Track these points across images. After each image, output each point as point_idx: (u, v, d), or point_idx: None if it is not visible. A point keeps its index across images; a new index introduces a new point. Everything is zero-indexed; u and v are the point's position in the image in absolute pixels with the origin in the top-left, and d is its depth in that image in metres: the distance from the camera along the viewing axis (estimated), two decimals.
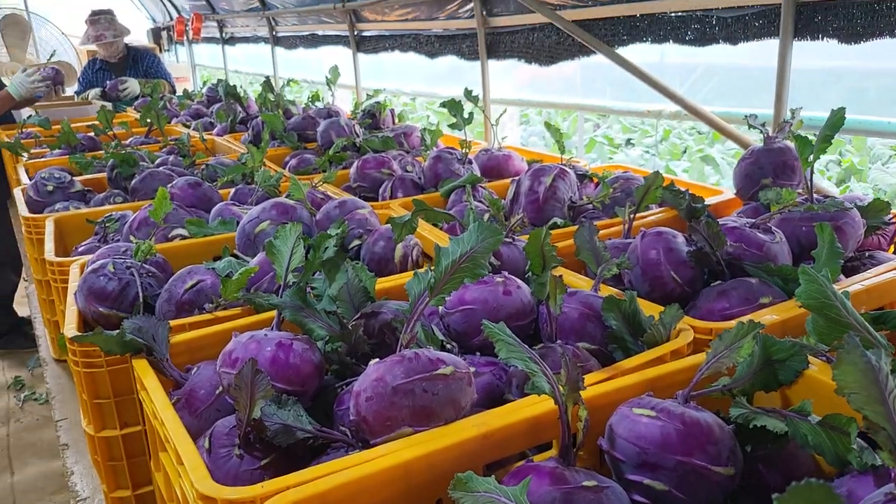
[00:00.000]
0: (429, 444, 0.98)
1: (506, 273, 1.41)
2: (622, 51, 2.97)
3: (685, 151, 8.73)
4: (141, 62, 5.93)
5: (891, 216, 1.70)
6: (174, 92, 5.35)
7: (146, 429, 1.34)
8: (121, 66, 5.94)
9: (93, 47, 6.12)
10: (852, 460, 0.91)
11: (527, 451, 1.20)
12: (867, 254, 1.63)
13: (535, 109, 9.65)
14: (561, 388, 0.96)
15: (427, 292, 1.12)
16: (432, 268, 1.13)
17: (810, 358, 1.13)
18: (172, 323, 1.40)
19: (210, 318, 1.46)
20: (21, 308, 5.21)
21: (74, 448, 1.90)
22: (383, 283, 1.57)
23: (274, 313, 1.32)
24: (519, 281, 1.39)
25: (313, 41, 6.35)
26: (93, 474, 1.72)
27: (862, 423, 0.77)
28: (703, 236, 1.46)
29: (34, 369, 4.89)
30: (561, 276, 1.31)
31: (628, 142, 9.38)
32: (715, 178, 7.33)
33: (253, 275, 1.54)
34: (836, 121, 1.53)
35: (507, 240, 1.57)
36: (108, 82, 5.63)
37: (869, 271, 1.45)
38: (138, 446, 1.46)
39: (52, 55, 4.98)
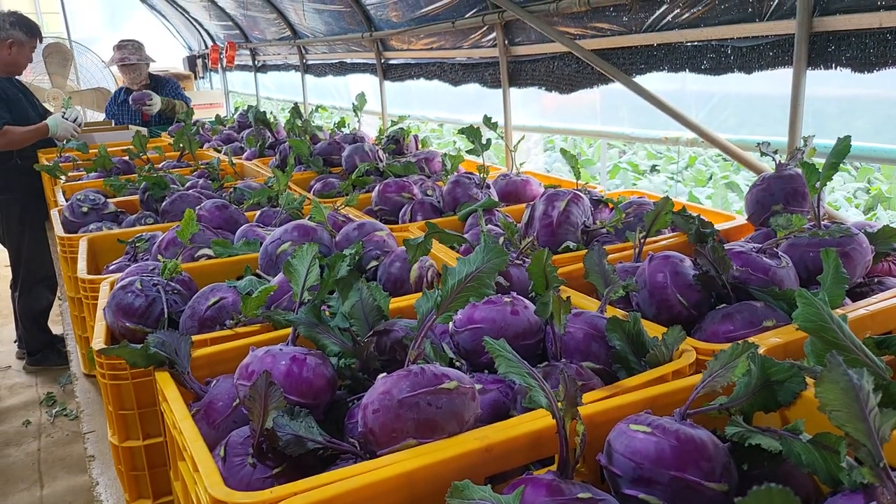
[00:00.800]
0: (432, 455, 1.03)
1: (514, 293, 1.45)
2: (640, 79, 3.02)
3: (710, 178, 8.71)
4: (163, 88, 6.11)
5: None
6: (191, 114, 5.49)
7: (167, 439, 1.39)
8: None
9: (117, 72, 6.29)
10: (842, 479, 0.93)
11: (530, 466, 1.23)
12: (876, 279, 1.65)
13: (560, 136, 9.72)
14: (559, 404, 1.00)
15: (434, 310, 1.17)
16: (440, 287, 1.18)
17: (808, 380, 1.15)
18: (195, 338, 1.46)
19: (230, 333, 1.52)
20: (55, 326, 5.36)
21: (100, 460, 1.96)
22: (398, 302, 1.63)
23: (290, 330, 1.38)
24: (527, 301, 1.44)
25: (342, 69, 6.50)
26: (117, 485, 1.78)
27: (844, 440, 0.80)
28: (709, 260, 1.49)
29: (66, 385, 5.01)
30: (569, 297, 1.35)
31: (653, 168, 9.39)
32: (739, 204, 7.30)
33: (272, 293, 1.61)
34: (842, 148, 1.56)
35: (518, 262, 1.61)
36: (134, 93, 5.80)
37: (874, 297, 1.47)
38: (159, 457, 1.52)
39: (67, 102, 5.15)
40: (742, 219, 2.08)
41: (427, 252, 1.55)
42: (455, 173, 2.75)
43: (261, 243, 2.05)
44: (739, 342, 1.08)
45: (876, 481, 0.77)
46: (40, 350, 5.32)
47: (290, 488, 0.97)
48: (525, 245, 1.63)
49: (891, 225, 1.69)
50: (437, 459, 1.02)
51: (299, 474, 1.12)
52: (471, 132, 2.46)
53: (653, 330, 1.39)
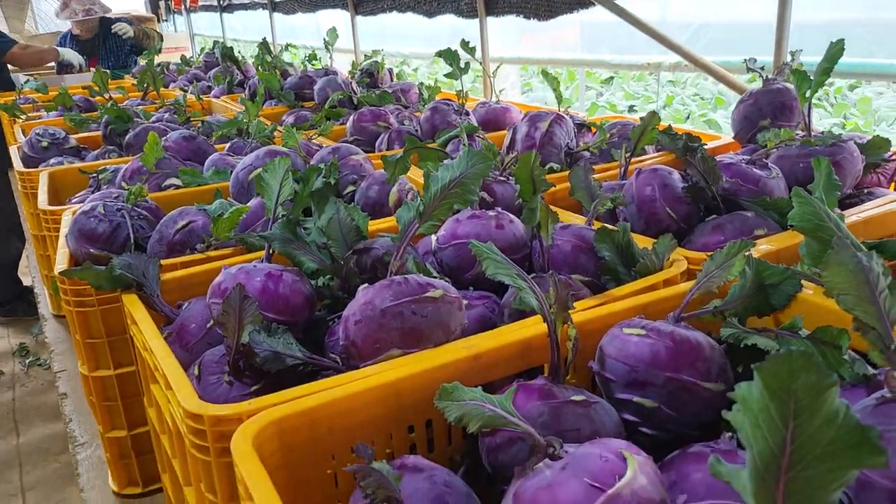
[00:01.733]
0: (418, 364, 0.98)
1: (499, 208, 1.40)
2: (621, 2, 2.92)
3: (688, 117, 8.66)
4: (112, 34, 5.82)
5: (891, 153, 1.67)
6: (162, 39, 5.29)
7: (138, 367, 1.33)
8: (92, 42, 5.83)
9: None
10: (844, 373, 0.90)
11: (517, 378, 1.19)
12: (866, 191, 1.61)
13: (538, 78, 9.56)
14: (550, 308, 0.95)
15: (416, 219, 1.10)
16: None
17: (804, 282, 1.11)
18: (163, 262, 1.39)
19: (201, 257, 1.45)
20: (26, 279, 5.23)
21: (73, 397, 1.90)
22: (377, 224, 1.56)
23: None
24: (512, 216, 1.38)
25: (311, 4, 6.28)
26: (91, 420, 1.73)
27: (852, 325, 0.76)
28: (699, 171, 1.44)
29: (38, 336, 4.92)
30: (555, 212, 1.29)
31: (631, 108, 9.31)
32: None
33: (246, 217, 1.54)
34: (836, 52, 1.50)
35: (502, 178, 1.55)
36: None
37: (867, 203, 1.44)
38: (132, 387, 1.46)
39: None
40: (728, 137, 2.03)
41: (406, 170, 1.48)
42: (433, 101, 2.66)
43: (231, 171, 1.96)
44: (736, 241, 1.03)
45: (886, 365, 0.74)
46: (11, 301, 5.20)
47: (269, 399, 0.92)
48: (509, 161, 1.56)
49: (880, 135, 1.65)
50: (424, 368, 0.97)
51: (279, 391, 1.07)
52: (448, 55, 2.36)
53: (642, 243, 1.34)
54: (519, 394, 0.93)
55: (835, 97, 8.37)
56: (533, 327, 1.06)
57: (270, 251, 1.27)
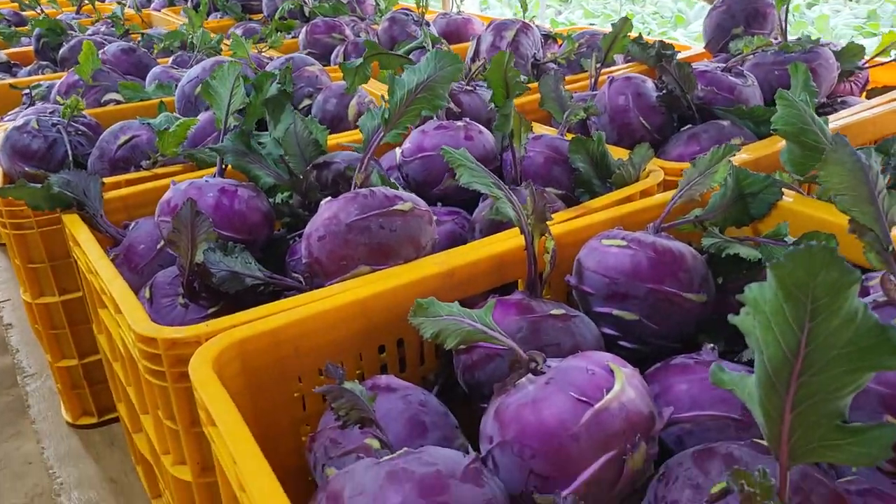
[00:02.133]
0: (388, 281, 0.92)
1: (467, 119, 1.32)
2: None
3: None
4: None
5: (864, 61, 1.63)
6: None
7: (84, 291, 1.25)
8: None
9: None
10: None
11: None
12: (839, 100, 1.58)
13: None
14: (527, 219, 0.90)
15: (381, 127, 1.03)
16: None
17: (784, 190, 1.08)
18: (107, 180, 1.29)
19: (148, 174, 1.35)
20: None
21: (19, 327, 1.81)
22: (336, 139, 1.48)
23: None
24: (481, 126, 1.31)
25: None
26: (40, 351, 1.65)
27: (848, 227, 0.72)
28: (674, 78, 1.38)
29: None
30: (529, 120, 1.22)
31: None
32: None
33: (194, 132, 1.43)
34: None
35: (468, 88, 1.47)
36: None
37: (842, 112, 1.40)
38: (80, 314, 1.38)
39: None
40: (699, 47, 1.97)
41: (366, 79, 1.38)
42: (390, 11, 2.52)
43: (176, 85, 1.83)
44: (718, 146, 0.98)
45: (884, 267, 0.70)
46: None
47: (229, 320, 0.85)
48: (476, 69, 1.48)
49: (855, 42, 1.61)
50: (394, 286, 0.92)
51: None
52: None
53: (616, 154, 1.28)
54: (496, 309, 0.88)
55: (793, 15, 8.31)
56: (507, 241, 1.01)
57: (223, 165, 1.18)
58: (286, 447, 0.90)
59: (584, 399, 0.68)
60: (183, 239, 0.96)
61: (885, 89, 1.62)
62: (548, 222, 0.90)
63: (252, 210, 1.11)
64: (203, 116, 1.50)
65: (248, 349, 0.82)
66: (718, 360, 0.84)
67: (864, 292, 0.84)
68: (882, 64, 1.66)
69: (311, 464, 0.84)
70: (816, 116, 1.04)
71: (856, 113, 1.39)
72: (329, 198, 1.00)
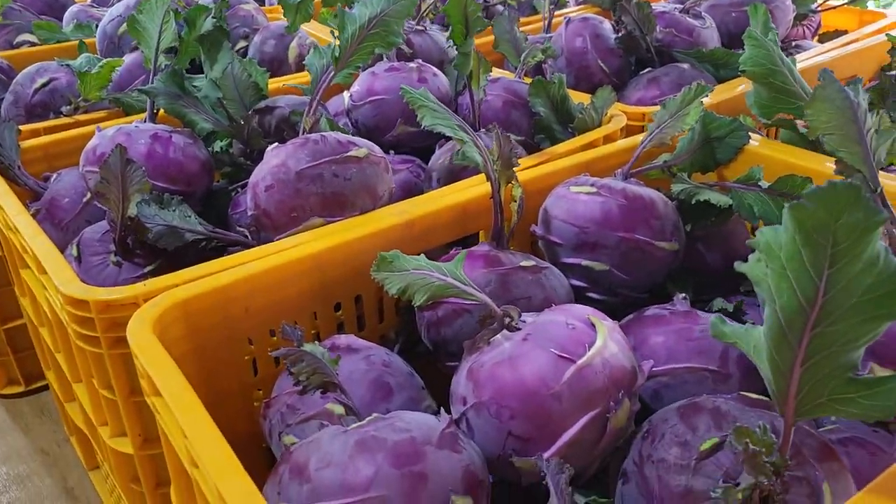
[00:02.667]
0: (344, 233, 0.85)
1: (419, 60, 1.24)
2: None
3: None
4: None
5: (817, 5, 1.61)
6: None
7: (4, 252, 1.14)
8: None
9: None
10: None
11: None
12: (794, 44, 1.56)
13: None
14: (493, 165, 0.84)
15: (331, 66, 0.94)
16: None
17: (751, 135, 1.05)
18: (23, 128, 1.16)
19: (69, 121, 1.23)
20: None
21: None
22: (277, 83, 1.38)
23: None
24: (435, 69, 1.23)
25: None
26: None
27: (834, 168, 0.69)
28: (634, 18, 1.33)
29: None
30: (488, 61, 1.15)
31: None
32: None
33: (119, 74, 1.31)
34: None
35: (419, 28, 1.38)
36: None
37: (799, 55, 1.38)
38: (1, 276, 1.26)
39: None
40: None
41: (309, 17, 1.28)
42: None
43: (97, 26, 1.67)
44: (690, 86, 0.94)
45: None
46: None
47: (171, 279, 0.78)
48: (427, 7, 1.39)
49: None
50: (350, 238, 0.85)
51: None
52: None
53: (575, 98, 1.23)
54: (463, 261, 0.83)
55: None
56: (470, 190, 0.95)
57: (154, 110, 1.07)
58: (236, 413, 0.84)
59: (565, 355, 0.63)
60: (113, 191, 0.87)
61: (837, 33, 1.61)
62: (519, 165, 0.85)
63: (189, 158, 1.02)
64: (129, 57, 1.38)
65: (192, 310, 0.75)
66: (694, 310, 0.81)
67: None
68: (834, 7, 1.65)
69: (265, 431, 0.78)
70: (785, 58, 1.01)
71: (812, 57, 1.37)
72: (276, 144, 0.92)
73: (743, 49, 1.35)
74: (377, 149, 0.95)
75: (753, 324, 0.87)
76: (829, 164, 0.97)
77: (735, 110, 1.13)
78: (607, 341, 0.65)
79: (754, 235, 1.03)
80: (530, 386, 0.62)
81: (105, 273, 0.91)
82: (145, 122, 1.06)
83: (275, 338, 0.86)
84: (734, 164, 1.05)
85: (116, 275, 0.91)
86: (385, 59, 1.23)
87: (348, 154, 0.89)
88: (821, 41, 1.62)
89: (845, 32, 1.61)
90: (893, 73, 1.33)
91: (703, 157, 1.04)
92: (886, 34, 1.31)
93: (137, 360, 0.67)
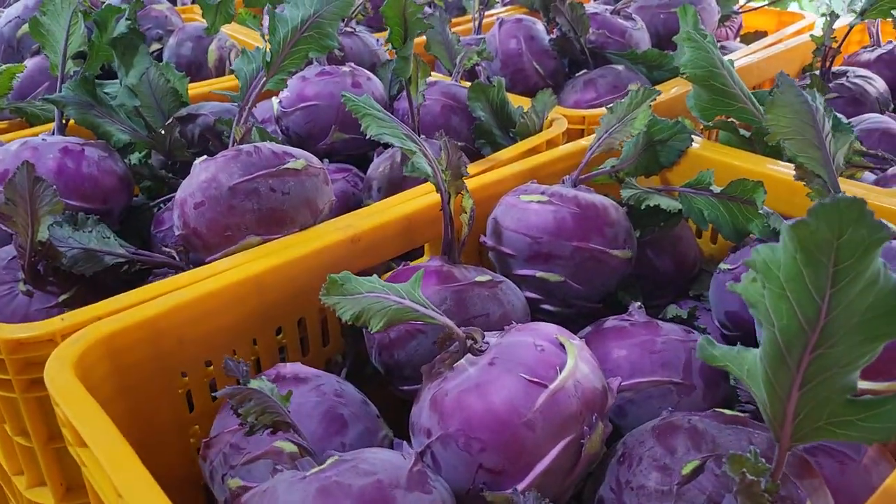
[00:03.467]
0: (285, 252, 0.79)
1: (351, 63, 1.18)
2: None
3: None
4: None
5: (738, 7, 1.65)
6: None
7: None
8: None
9: None
10: (753, 229, 0.85)
11: (391, 264, 1.04)
12: (719, 45, 1.58)
13: None
14: (443, 175, 0.79)
15: (262, 70, 0.88)
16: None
17: (694, 138, 1.04)
18: None
19: None
20: None
21: None
22: (197, 88, 1.29)
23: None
24: (368, 72, 1.18)
25: None
26: None
27: (794, 174, 0.68)
28: (567, 20, 1.31)
29: None
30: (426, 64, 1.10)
31: None
32: None
33: (21, 80, 1.20)
34: None
35: (348, 29, 1.32)
36: None
37: (727, 56, 1.39)
38: None
39: None
40: None
41: (229, 18, 1.20)
42: None
43: None
44: (638, 88, 0.92)
45: None
46: None
47: (91, 311, 0.70)
48: (355, 8, 1.33)
49: None
50: (292, 257, 0.79)
51: (98, 300, 0.84)
52: None
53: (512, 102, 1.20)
54: (421, 281, 0.78)
55: None
56: (415, 201, 0.90)
57: (63, 120, 0.97)
58: (172, 453, 0.76)
59: (535, 380, 0.59)
60: (20, 212, 0.78)
61: (758, 34, 1.65)
62: (469, 174, 0.81)
63: (105, 173, 0.93)
64: (31, 62, 1.26)
65: (119, 346, 0.67)
66: (654, 320, 0.79)
67: None
68: (755, 9, 1.69)
69: (206, 473, 0.71)
70: (724, 60, 1.01)
71: (740, 58, 1.39)
72: (204, 157, 0.84)
73: (674, 50, 1.37)
74: (315, 159, 0.89)
75: (706, 330, 0.88)
76: (771, 166, 0.98)
77: (671, 112, 1.12)
78: (578, 362, 0.62)
79: (699, 238, 1.03)
80: (501, 415, 0.58)
81: (14, 304, 0.82)
82: (53, 134, 0.96)
83: (210, 367, 0.79)
84: (677, 168, 1.05)
85: (27, 305, 0.82)
86: (315, 62, 1.16)
87: (285, 166, 0.83)
88: (743, 41, 1.66)
89: (765, 33, 1.65)
90: (816, 72, 1.37)
91: (647, 161, 1.03)
92: (811, 35, 1.34)
93: (58, 408, 0.60)
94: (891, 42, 1.48)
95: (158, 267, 0.89)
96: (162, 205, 1.02)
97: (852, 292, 0.41)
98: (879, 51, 1.45)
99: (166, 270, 0.91)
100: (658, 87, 1.28)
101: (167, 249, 0.89)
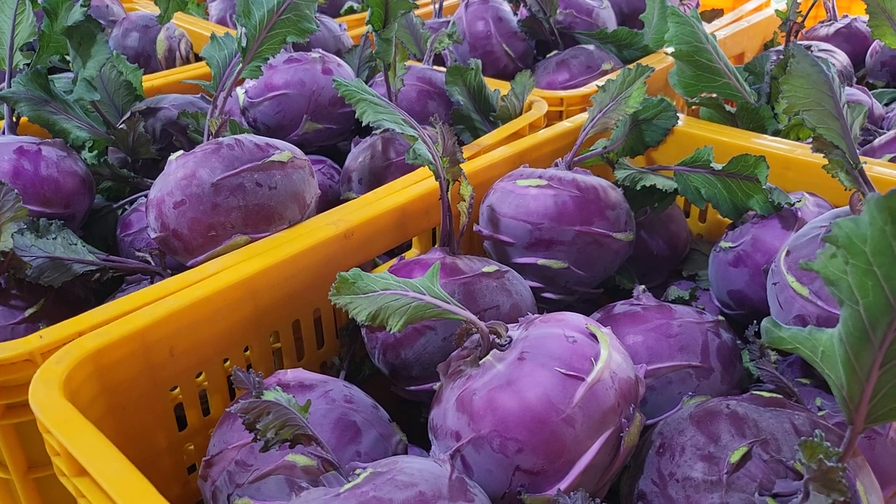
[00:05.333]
0: (277, 251, 0.74)
1: (320, 49, 1.12)
2: None
3: None
4: None
5: None
6: None
7: None
8: None
9: None
10: (754, 205, 0.83)
11: (376, 260, 1.00)
12: None
13: None
14: (441, 162, 0.75)
15: (238, 55, 0.81)
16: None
17: (679, 115, 1.02)
18: None
19: None
20: None
21: None
22: (149, 80, 1.21)
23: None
24: (338, 59, 1.12)
25: None
26: None
27: (812, 146, 0.66)
28: (537, 0, 1.28)
29: None
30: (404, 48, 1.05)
31: None
32: None
33: None
34: None
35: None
36: None
37: (713, 23, 1.39)
38: None
39: None
40: None
41: (184, 4, 1.13)
42: None
43: None
44: (631, 66, 0.89)
45: (854, 187, 0.66)
46: None
47: (71, 326, 0.63)
48: None
49: None
50: (285, 256, 0.74)
51: (69, 312, 0.77)
52: None
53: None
54: (416, 273, 0.74)
55: None
56: (406, 191, 0.86)
57: (14, 118, 0.89)
58: (167, 475, 0.71)
59: (571, 373, 0.56)
60: None
61: (715, 12, 1.65)
62: (465, 160, 0.77)
63: (65, 174, 0.85)
64: None
65: (107, 362, 0.61)
66: (662, 303, 0.77)
67: (791, 216, 0.81)
68: None
69: (206, 495, 0.66)
70: (709, 35, 1.00)
71: (725, 25, 1.39)
72: (180, 152, 0.78)
73: (639, 28, 1.35)
74: (298, 151, 0.83)
75: (704, 310, 0.86)
76: (757, 141, 0.98)
77: (648, 91, 1.10)
78: (612, 352, 0.59)
79: (687, 217, 1.01)
80: (538, 412, 0.55)
81: None
82: (4, 133, 0.87)
83: (200, 378, 0.73)
84: (662, 146, 1.03)
85: None
86: (283, 49, 1.10)
87: (270, 159, 0.77)
88: (703, 19, 1.66)
89: (722, 11, 1.66)
90: (781, 47, 1.37)
91: (633, 141, 1.01)
92: (776, 10, 1.34)
93: (50, 436, 0.53)
94: (846, 16, 1.50)
95: (132, 273, 0.83)
96: (127, 206, 0.95)
97: None
98: (837, 25, 1.47)
99: (140, 277, 0.85)
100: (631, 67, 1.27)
101: (140, 254, 0.83)
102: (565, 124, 1.01)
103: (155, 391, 0.66)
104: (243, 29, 0.80)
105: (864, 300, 0.40)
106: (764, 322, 0.48)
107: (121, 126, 0.94)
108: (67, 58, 0.91)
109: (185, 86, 1.16)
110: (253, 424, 0.53)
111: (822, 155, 0.66)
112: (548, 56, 1.31)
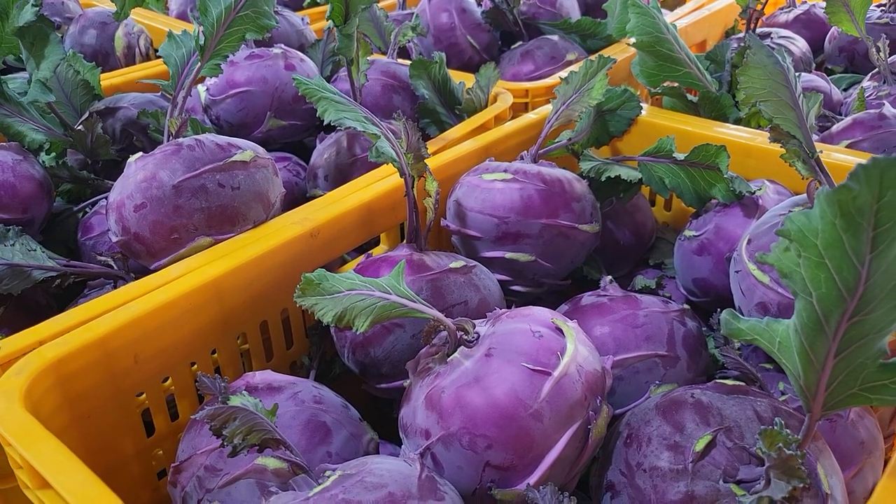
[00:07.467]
0: (242, 252, 0.73)
1: (282, 44, 1.11)
2: None
3: None
4: None
5: None
6: None
7: None
8: None
9: None
10: (716, 194, 0.84)
11: (344, 256, 0.99)
12: None
13: None
14: (406, 158, 0.75)
15: (196, 54, 0.80)
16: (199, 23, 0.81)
17: (643, 105, 1.03)
18: None
19: None
20: None
21: None
22: (108, 79, 1.18)
23: None
24: (300, 54, 1.11)
25: None
26: None
27: (769, 136, 0.67)
28: None
29: None
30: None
31: None
32: None
33: None
34: None
35: (277, 11, 1.24)
36: None
37: (675, 11, 1.40)
38: None
39: None
40: None
41: (143, 0, 1.11)
42: None
43: None
44: (592, 57, 0.90)
45: (811, 176, 0.67)
46: None
47: (30, 335, 0.62)
48: None
49: None
50: (251, 256, 0.73)
51: (29, 320, 0.75)
52: None
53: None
54: (383, 270, 0.73)
55: None
56: (371, 187, 0.85)
57: None
58: (135, 483, 0.70)
59: (538, 368, 0.57)
60: None
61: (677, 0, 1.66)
62: (430, 155, 0.77)
63: (22, 178, 0.83)
64: None
65: (68, 371, 0.60)
66: (628, 293, 0.78)
67: (752, 204, 0.82)
68: None
69: (176, 501, 0.65)
70: (669, 25, 1.00)
71: (679, 18, 1.39)
72: (139, 153, 0.76)
73: (602, 18, 1.36)
74: (261, 150, 0.82)
75: (670, 298, 0.87)
76: (719, 129, 0.99)
77: (611, 80, 1.11)
78: (577, 345, 0.59)
79: (653, 206, 1.02)
80: (506, 408, 0.55)
81: None
82: None
83: (166, 383, 0.72)
84: (627, 136, 1.04)
85: None
86: (243, 45, 1.08)
87: (232, 159, 0.76)
88: (664, 7, 1.67)
89: None
90: (741, 34, 1.39)
91: (598, 132, 1.02)
92: None
93: (12, 448, 0.52)
94: (805, 2, 1.52)
95: (94, 278, 0.81)
96: (88, 209, 0.93)
97: (890, 255, 0.39)
98: (796, 11, 1.49)
99: (102, 281, 0.83)
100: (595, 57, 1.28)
101: (102, 258, 0.81)
102: (530, 116, 1.01)
103: (119, 398, 0.65)
104: (201, 27, 0.79)
105: (817, 292, 0.41)
106: (724, 314, 0.49)
107: (78, 127, 0.92)
108: (22, 56, 0.89)
109: (146, 84, 1.14)
110: (220, 430, 0.53)
111: (780, 145, 0.66)
112: (512, 47, 1.31)
